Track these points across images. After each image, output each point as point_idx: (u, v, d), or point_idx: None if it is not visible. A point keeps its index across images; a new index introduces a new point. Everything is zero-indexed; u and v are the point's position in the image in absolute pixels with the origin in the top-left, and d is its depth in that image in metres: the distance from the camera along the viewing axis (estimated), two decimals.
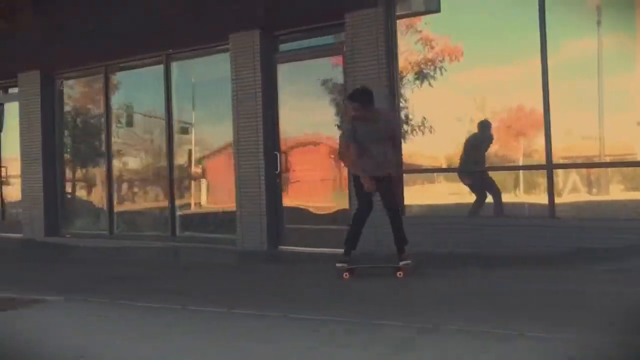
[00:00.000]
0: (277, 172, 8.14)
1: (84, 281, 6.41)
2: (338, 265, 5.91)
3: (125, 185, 10.31)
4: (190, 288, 5.91)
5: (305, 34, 8.03)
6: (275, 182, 8.17)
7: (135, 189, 10.26)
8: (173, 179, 9.38)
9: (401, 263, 5.76)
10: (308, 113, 8.13)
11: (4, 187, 11.70)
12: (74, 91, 10.84)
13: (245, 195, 8.27)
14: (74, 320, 4.71)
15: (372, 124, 5.86)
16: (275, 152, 8.14)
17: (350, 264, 5.91)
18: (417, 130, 7.34)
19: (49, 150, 10.69)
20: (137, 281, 6.35)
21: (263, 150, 8.09)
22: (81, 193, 11.02)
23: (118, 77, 10.12)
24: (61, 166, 10.84)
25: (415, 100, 7.35)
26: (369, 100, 5.89)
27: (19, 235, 10.95)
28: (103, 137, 10.15)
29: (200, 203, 9.48)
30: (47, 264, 8.11)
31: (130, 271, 7.07)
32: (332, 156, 7.85)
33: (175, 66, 9.37)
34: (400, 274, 5.72)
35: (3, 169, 11.67)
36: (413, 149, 7.35)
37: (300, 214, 8.17)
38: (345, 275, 5.83)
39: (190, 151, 9.48)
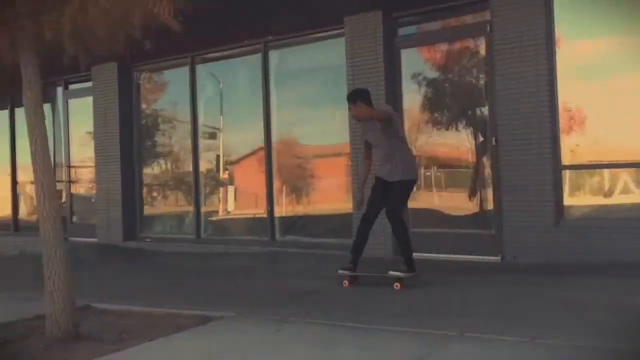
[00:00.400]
0: None
1: (230, 293, 5.66)
2: (340, 271, 5.68)
3: (213, 186, 9.53)
4: (363, 303, 5.09)
5: (436, 14, 7.18)
6: None
7: (225, 190, 9.47)
8: (272, 178, 8.58)
9: (389, 272, 5.45)
10: (438, 104, 7.31)
11: (72, 189, 10.99)
12: (154, 84, 10.09)
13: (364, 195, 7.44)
14: (277, 342, 3.91)
15: (369, 125, 5.64)
16: None
17: (354, 271, 5.66)
18: (579, 124, 6.47)
19: (126, 148, 9.95)
20: (286, 293, 5.51)
21: None
22: (161, 194, 10.27)
23: (206, 68, 9.34)
24: (139, 165, 10.12)
25: (577, 89, 6.45)
26: (358, 99, 5.59)
27: (92, 240, 10.21)
28: (189, 133, 9.37)
29: (304, 204, 8.65)
30: (160, 273, 7.24)
31: (267, 281, 6.29)
32: (468, 152, 7.07)
33: (274, 54, 8.58)
34: (397, 286, 5.37)
35: (72, 170, 10.95)
36: (580, 144, 6.48)
37: (429, 216, 7.34)
38: (345, 283, 5.62)
39: (291, 147, 8.67)
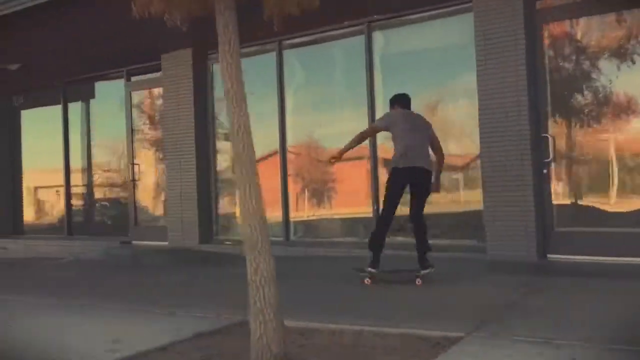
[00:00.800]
0: (547, 161, 6.45)
1: (391, 303, 4.79)
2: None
3: (304, 182, 8.66)
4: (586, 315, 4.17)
5: None
6: (542, 173, 6.49)
7: (319, 187, 8.59)
8: (377, 174, 7.71)
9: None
10: (594, 87, 6.44)
11: (137, 188, 10.11)
12: None
13: (498, 190, 6.58)
14: None
15: None
16: (545, 135, 6.45)
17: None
18: None
19: (202, 142, 9.09)
20: (473, 305, 4.58)
21: (529, 133, 6.39)
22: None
23: (296, 53, 8.49)
24: (215, 161, 9.26)
25: None
26: (396, 103, 6.03)
27: (161, 244, 9.36)
28: (275, 126, 8.49)
29: None
30: (307, 282, 6.14)
31: (420, 290, 5.36)
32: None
33: (379, 36, 7.74)
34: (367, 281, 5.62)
35: (135, 167, 10.07)
36: None
37: (588, 214, 6.46)
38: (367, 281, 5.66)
39: None
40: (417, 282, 5.48)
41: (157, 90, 9.97)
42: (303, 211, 8.56)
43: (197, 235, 8.98)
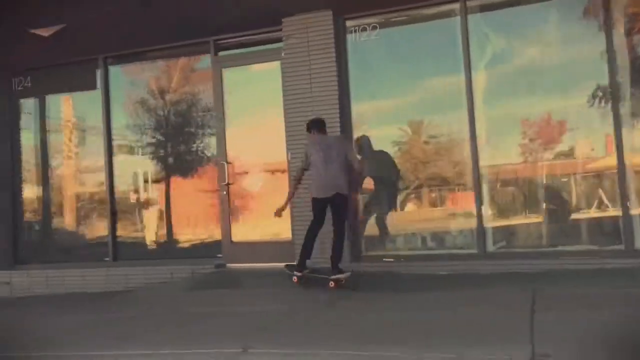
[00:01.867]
0: None
1: None
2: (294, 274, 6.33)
3: (505, 179, 6.84)
4: None
5: None
6: None
7: (525, 185, 6.81)
8: (622, 157, 6.13)
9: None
10: None
11: (231, 194, 7.70)
12: (385, 43, 7.17)
13: None
14: None
15: None
16: None
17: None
18: None
19: (347, 133, 7.02)
20: None
21: None
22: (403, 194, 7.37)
23: (486, 18, 6.73)
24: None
25: None
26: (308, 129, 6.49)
27: (278, 265, 7.11)
28: (463, 105, 6.65)
29: None
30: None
31: None
32: None
33: None
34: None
35: (230, 168, 7.66)
36: None
37: None
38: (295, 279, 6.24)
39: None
40: (330, 285, 5.93)
41: (257, 67, 7.74)
42: (503, 215, 6.77)
43: (348, 252, 6.88)
